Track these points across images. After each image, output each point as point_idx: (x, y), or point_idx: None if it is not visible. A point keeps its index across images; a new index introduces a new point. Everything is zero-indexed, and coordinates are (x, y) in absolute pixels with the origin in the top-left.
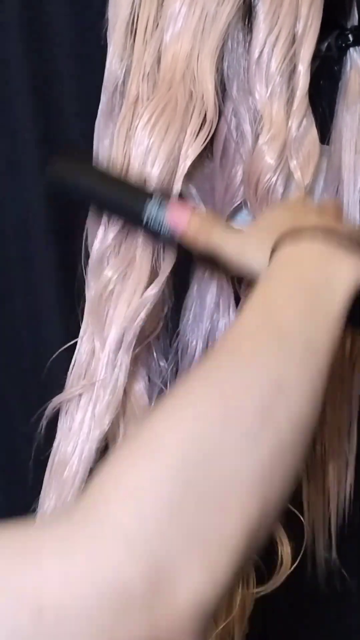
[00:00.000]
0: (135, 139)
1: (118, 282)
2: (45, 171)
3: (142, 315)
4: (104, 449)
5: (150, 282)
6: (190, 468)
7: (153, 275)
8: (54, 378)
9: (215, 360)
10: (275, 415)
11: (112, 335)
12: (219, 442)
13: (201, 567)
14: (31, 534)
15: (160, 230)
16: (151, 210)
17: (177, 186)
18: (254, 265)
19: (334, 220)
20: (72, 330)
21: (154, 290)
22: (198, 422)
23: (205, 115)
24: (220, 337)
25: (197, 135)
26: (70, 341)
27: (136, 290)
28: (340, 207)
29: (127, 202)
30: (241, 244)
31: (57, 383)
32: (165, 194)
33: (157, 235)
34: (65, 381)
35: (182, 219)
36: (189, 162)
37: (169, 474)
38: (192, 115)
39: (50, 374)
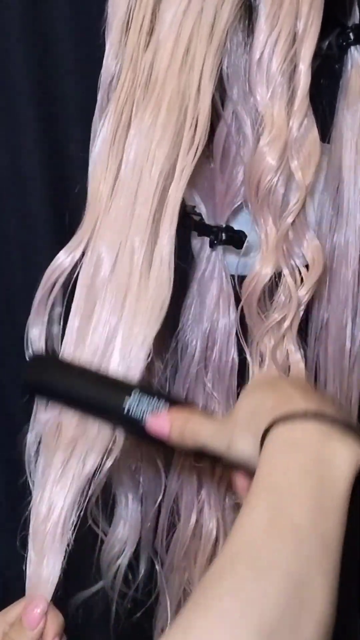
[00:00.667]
0: (129, 144)
1: None
2: (22, 370)
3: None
4: None
5: None
6: None
7: None
8: None
9: (235, 566)
10: (300, 618)
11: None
12: None
13: None
14: None
15: (143, 428)
16: (131, 408)
17: (178, 196)
18: (246, 455)
19: (318, 400)
20: None
21: None
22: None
23: (198, 122)
24: (233, 534)
25: (191, 144)
26: None
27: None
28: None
29: (108, 398)
30: (229, 436)
31: None
32: (143, 389)
33: (141, 433)
34: None
35: (163, 423)
36: (187, 172)
37: None
38: (187, 121)
39: None
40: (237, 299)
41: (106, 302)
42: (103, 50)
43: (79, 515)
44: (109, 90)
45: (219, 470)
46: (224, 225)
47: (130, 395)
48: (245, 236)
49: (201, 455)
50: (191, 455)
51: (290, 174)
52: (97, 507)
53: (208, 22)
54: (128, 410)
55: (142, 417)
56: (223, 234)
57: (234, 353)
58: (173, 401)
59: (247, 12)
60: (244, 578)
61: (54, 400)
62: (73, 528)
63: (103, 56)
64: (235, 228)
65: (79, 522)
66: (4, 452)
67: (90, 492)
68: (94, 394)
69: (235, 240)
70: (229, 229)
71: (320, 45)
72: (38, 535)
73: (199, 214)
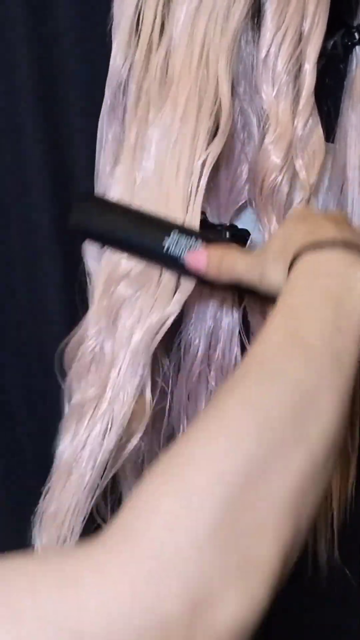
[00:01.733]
0: (149, 139)
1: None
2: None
3: (164, 328)
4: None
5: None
6: (225, 489)
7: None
8: (57, 372)
9: (245, 377)
10: (307, 429)
11: (135, 339)
12: (254, 460)
13: (239, 591)
14: (68, 562)
15: (183, 265)
16: (171, 246)
17: (200, 197)
18: (276, 284)
19: (349, 231)
20: (75, 325)
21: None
22: (232, 440)
23: (220, 114)
24: (248, 351)
25: (214, 135)
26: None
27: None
28: (349, 217)
29: (148, 238)
30: (261, 266)
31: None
32: (183, 229)
33: (180, 270)
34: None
35: (200, 259)
36: (208, 165)
37: (205, 497)
38: (206, 114)
39: (53, 371)
40: (241, 298)
41: None
42: (108, 48)
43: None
44: (117, 90)
45: None
46: (227, 224)
47: (169, 235)
48: (249, 235)
49: (236, 287)
50: (226, 288)
51: (295, 173)
52: (104, 502)
53: (221, 18)
54: (167, 249)
55: (181, 254)
56: (227, 233)
57: (237, 352)
58: (210, 239)
59: (256, 9)
60: (251, 385)
61: (96, 240)
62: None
63: (106, 55)
64: (239, 227)
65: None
66: (7, 451)
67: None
68: (135, 233)
69: (239, 239)
70: (232, 228)
71: (325, 44)
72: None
73: (203, 213)
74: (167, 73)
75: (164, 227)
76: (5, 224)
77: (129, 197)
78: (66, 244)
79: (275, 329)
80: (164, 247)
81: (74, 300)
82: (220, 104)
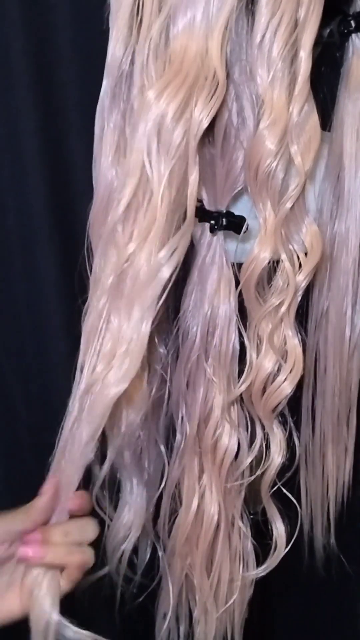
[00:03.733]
0: (149, 108)
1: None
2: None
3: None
4: None
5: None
6: None
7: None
8: (55, 365)
9: None
10: None
11: (138, 309)
12: None
13: None
14: None
15: None
16: None
17: (194, 145)
18: None
19: None
20: (73, 317)
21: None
22: None
23: (217, 85)
24: None
25: (210, 100)
26: (70, 328)
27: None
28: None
29: None
30: None
31: (59, 372)
32: None
33: None
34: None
35: None
36: (204, 124)
37: None
38: (203, 84)
39: (51, 360)
40: (238, 285)
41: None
42: (105, 37)
43: None
44: (119, 80)
45: (220, 455)
46: (224, 211)
47: None
48: (245, 221)
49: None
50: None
51: (290, 159)
52: (102, 492)
53: (217, 3)
54: None
55: None
56: (224, 220)
57: (234, 339)
58: None
59: None
60: None
61: None
62: None
63: (103, 42)
64: (236, 214)
65: None
66: (6, 442)
67: None
68: None
69: (236, 225)
70: (229, 215)
71: (321, 32)
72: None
73: (200, 200)
74: (167, 56)
75: None
76: (2, 215)
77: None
78: (64, 234)
79: None
80: None
81: (72, 293)
82: (215, 74)
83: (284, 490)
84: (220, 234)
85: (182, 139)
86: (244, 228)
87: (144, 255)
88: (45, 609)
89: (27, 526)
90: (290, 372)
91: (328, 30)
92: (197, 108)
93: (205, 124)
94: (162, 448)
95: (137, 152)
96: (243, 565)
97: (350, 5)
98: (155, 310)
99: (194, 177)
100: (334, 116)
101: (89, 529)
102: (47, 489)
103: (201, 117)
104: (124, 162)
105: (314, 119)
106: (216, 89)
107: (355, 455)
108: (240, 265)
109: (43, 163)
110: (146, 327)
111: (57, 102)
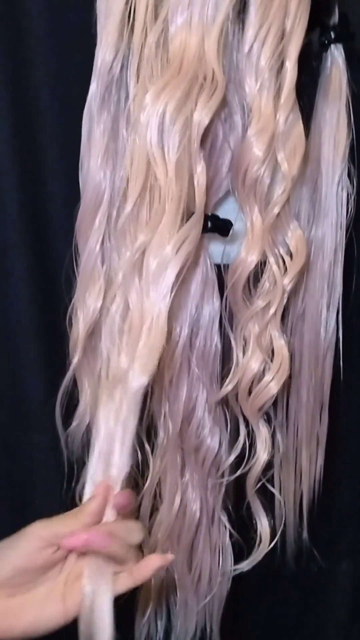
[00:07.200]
0: (146, 110)
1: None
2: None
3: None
4: None
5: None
6: None
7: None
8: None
9: None
10: None
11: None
12: None
13: None
14: None
15: None
16: None
17: (196, 146)
18: None
19: None
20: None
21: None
22: None
23: (216, 86)
24: None
25: (209, 101)
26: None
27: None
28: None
29: None
30: None
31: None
32: None
33: None
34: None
35: None
36: (203, 125)
37: None
38: (201, 86)
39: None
40: (221, 288)
41: None
42: (92, 40)
43: None
44: (109, 83)
45: (203, 452)
46: (209, 214)
47: None
48: (231, 224)
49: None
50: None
51: (277, 165)
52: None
53: (212, 7)
54: None
55: None
56: (209, 222)
57: (217, 340)
58: None
59: (242, 4)
60: None
61: None
62: None
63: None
64: (221, 217)
65: None
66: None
67: None
68: None
69: (221, 228)
70: (214, 218)
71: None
72: None
73: None
74: (165, 60)
75: None
76: None
77: None
78: (35, 234)
79: None
80: None
81: (42, 296)
82: (214, 75)
83: (268, 486)
84: (204, 237)
85: (184, 136)
86: (230, 232)
87: (154, 247)
88: (104, 614)
89: (76, 530)
90: (277, 372)
91: (307, 41)
92: (198, 106)
93: (206, 121)
94: (145, 444)
95: (141, 150)
96: (223, 560)
97: (330, 16)
98: (172, 294)
99: (200, 169)
100: (312, 124)
101: (135, 531)
102: (99, 491)
103: (202, 115)
104: (122, 163)
105: (299, 127)
106: (216, 89)
107: (326, 451)
108: (224, 267)
109: (16, 165)
110: (166, 309)
111: (30, 104)
